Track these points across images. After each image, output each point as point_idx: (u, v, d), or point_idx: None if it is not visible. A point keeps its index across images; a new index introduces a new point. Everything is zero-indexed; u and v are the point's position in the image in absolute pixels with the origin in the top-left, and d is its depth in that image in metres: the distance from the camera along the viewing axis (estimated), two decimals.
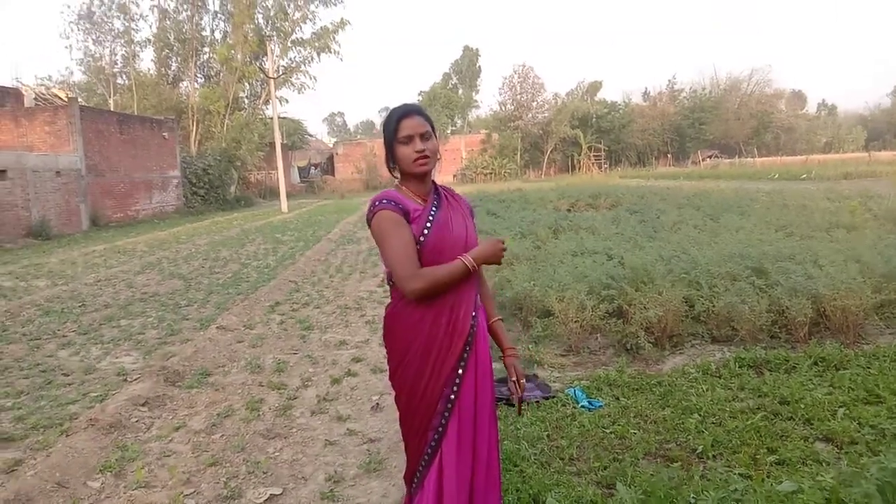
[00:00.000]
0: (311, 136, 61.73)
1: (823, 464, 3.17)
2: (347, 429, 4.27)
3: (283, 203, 30.57)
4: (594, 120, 57.28)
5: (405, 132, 2.19)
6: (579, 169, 51.99)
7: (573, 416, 4.12)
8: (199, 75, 41.65)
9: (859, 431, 3.62)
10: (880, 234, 8.53)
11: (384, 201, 2.17)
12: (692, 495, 2.73)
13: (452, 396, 2.15)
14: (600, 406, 4.29)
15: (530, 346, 5.79)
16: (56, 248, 16.64)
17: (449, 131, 57.38)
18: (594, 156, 54.95)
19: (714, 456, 3.45)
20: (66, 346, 6.62)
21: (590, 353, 5.68)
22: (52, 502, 3.40)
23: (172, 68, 41.25)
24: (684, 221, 11.56)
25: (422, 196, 2.26)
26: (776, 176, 32.99)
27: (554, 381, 4.93)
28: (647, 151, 59.85)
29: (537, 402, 4.42)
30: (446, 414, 2.15)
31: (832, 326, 5.49)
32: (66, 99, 25.44)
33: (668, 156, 58.67)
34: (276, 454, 3.94)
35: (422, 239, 2.15)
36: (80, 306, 8.68)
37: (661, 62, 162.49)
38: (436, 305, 2.13)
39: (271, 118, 35.60)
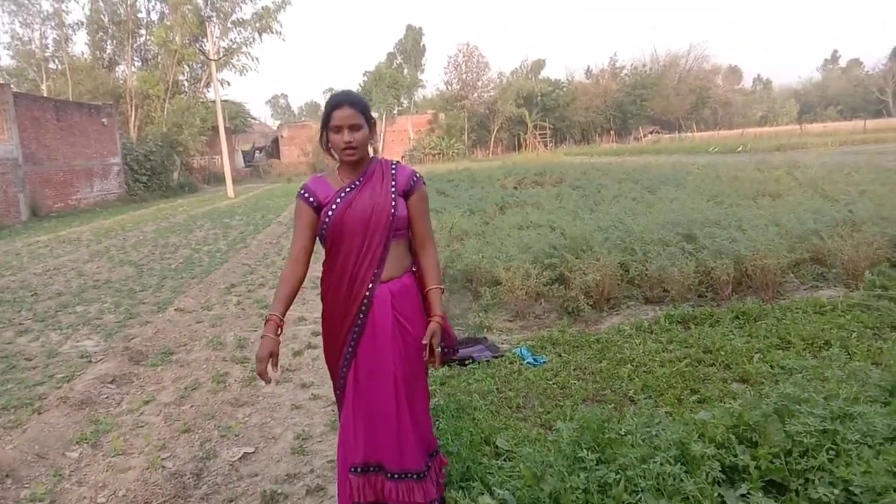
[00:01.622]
0: (254, 119, 60.74)
1: (738, 399, 3.62)
2: (311, 394, 4.56)
3: (230, 188, 30.21)
4: (539, 98, 57.99)
5: (335, 122, 2.41)
6: (525, 147, 52.63)
7: (520, 372, 4.51)
8: (136, 59, 40.41)
9: (771, 372, 4.10)
10: (801, 200, 9.19)
11: (302, 191, 2.51)
12: (621, 427, 3.12)
13: (348, 354, 2.51)
14: (544, 362, 4.69)
15: (480, 314, 6.16)
16: None
17: (395, 112, 57.24)
18: (540, 134, 55.69)
19: (644, 399, 3.87)
20: (24, 333, 6.68)
21: (535, 317, 6.08)
22: (35, 472, 3.60)
23: (108, 52, 39.97)
24: (623, 195, 12.11)
25: (351, 176, 2.52)
26: (716, 149, 34.18)
27: (502, 343, 5.31)
28: (591, 129, 60.99)
29: (487, 360, 4.79)
30: (345, 368, 2.53)
31: (753, 284, 6.02)
32: None
33: (612, 133, 59.89)
34: (246, 419, 4.21)
35: (325, 223, 2.46)
36: (31, 295, 8.66)
37: (603, 39, 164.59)
38: (336, 279, 2.50)
39: (213, 101, 34.98)
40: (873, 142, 31.87)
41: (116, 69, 40.53)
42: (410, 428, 2.50)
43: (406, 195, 2.53)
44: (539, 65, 67.90)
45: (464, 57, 57.73)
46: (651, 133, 58.65)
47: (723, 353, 4.47)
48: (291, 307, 2.53)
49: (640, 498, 2.43)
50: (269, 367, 2.39)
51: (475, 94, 58.09)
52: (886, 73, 69.18)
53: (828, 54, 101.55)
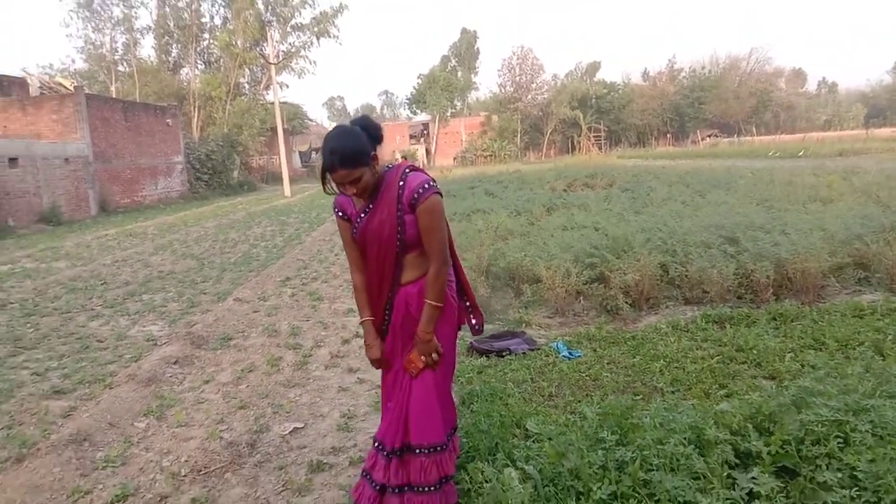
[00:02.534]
0: (311, 120, 62.19)
1: (759, 393, 3.75)
2: (357, 378, 4.86)
3: (286, 187, 31.10)
4: (593, 101, 57.59)
5: (336, 180, 2.51)
6: (579, 150, 52.32)
7: (554, 364, 4.71)
8: (199, 62, 42.06)
9: (800, 371, 4.19)
10: (852, 205, 9.06)
11: (335, 208, 2.71)
12: (644, 414, 3.29)
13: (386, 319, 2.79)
14: (579, 356, 4.88)
15: (521, 310, 6.38)
16: (68, 232, 17.20)
17: (448, 114, 57.69)
18: (594, 136, 55.27)
19: (672, 391, 4.03)
20: (96, 318, 7.20)
21: (574, 315, 6.25)
22: (108, 438, 3.98)
23: (173, 55, 41.62)
24: (673, 198, 12.10)
25: (367, 200, 2.63)
26: (776, 154, 33.36)
27: (540, 338, 5.51)
28: (647, 131, 60.15)
29: (524, 353, 5.00)
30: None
31: (794, 288, 6.06)
32: (70, 87, 25.88)
33: (668, 136, 58.95)
34: (297, 399, 4.53)
35: (354, 238, 2.68)
36: (101, 284, 9.26)
37: (661, 42, 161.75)
38: (368, 280, 2.75)
39: (272, 103, 36.04)
40: None
41: (181, 72, 42.17)
42: (415, 408, 2.66)
43: (412, 209, 2.55)
44: (594, 67, 67.39)
45: (518, 59, 57.80)
46: (709, 136, 57.52)
47: (755, 351, 4.57)
48: (342, 299, 2.83)
49: (654, 475, 2.62)
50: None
51: (529, 97, 58.07)
52: None
53: None
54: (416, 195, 2.52)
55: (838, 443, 2.72)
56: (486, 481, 2.69)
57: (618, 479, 2.65)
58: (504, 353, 5.03)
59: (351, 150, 2.44)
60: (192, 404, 4.54)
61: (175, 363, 5.41)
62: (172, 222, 18.83)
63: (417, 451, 2.63)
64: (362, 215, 2.62)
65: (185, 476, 3.48)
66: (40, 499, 3.24)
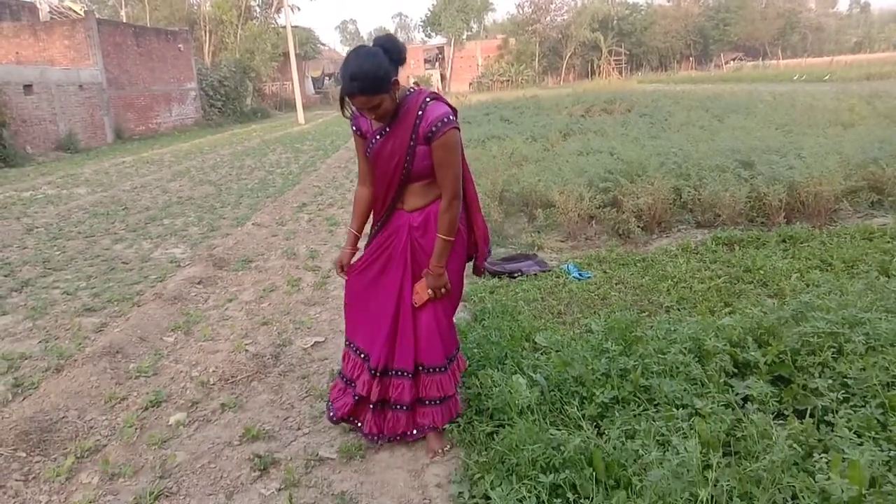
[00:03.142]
0: (323, 45, 61.04)
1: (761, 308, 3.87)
2: None
3: (300, 114, 30.91)
4: (615, 22, 55.91)
5: (355, 105, 2.48)
6: (599, 74, 51.11)
7: (564, 284, 4.84)
8: None
9: (805, 289, 4.28)
10: (872, 129, 8.94)
11: (351, 123, 2.71)
12: (648, 326, 3.44)
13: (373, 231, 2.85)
14: (589, 277, 5.00)
15: (533, 234, 6.48)
16: (86, 160, 17.37)
17: (464, 37, 56.25)
18: (614, 60, 53.86)
19: (678, 309, 4.16)
20: (120, 241, 7.42)
21: (586, 238, 6.34)
22: (139, 351, 4.21)
23: None
24: (691, 123, 11.95)
25: (385, 121, 2.59)
26: (803, 77, 32.46)
27: (552, 261, 5.63)
28: (670, 55, 58.54)
29: (535, 274, 5.14)
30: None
31: (806, 211, 6.09)
32: (80, 12, 25.52)
33: (691, 59, 57.31)
34: (317, 316, 4.73)
35: (368, 153, 2.69)
36: (123, 209, 9.46)
37: None
38: (375, 192, 2.79)
39: (284, 27, 35.35)
40: None
41: None
42: (408, 336, 2.74)
43: (428, 141, 2.52)
44: None
45: None
46: (733, 60, 55.86)
47: (762, 272, 4.67)
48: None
49: (653, 381, 2.77)
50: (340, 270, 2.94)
51: (548, 18, 56.35)
52: None
53: None
54: (434, 128, 2.48)
55: (832, 353, 2.85)
56: (496, 386, 2.86)
57: (619, 385, 2.81)
58: (516, 275, 5.16)
59: (372, 76, 2.34)
60: (217, 321, 4.75)
61: (199, 283, 5.61)
62: (188, 149, 18.91)
63: (421, 369, 2.77)
64: (378, 137, 2.60)
65: (213, 384, 3.70)
66: (80, 403, 3.48)
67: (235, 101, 33.81)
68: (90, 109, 21.59)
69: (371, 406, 2.80)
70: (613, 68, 52.51)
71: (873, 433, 2.34)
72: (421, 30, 66.81)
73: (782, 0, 61.54)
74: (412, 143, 2.52)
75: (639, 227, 6.06)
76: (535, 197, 7.10)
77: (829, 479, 2.00)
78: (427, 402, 2.79)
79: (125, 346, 4.23)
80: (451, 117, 2.51)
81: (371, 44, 2.47)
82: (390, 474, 2.72)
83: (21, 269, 6.32)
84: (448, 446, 2.83)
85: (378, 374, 2.77)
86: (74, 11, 26.25)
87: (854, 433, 2.31)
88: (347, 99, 2.47)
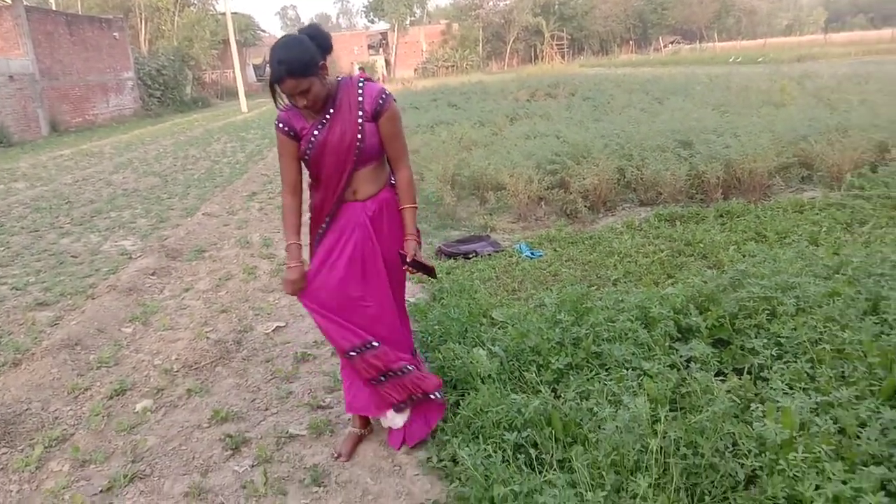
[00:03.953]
0: (263, 31, 59.73)
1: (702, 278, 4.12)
2: None
3: (243, 102, 30.35)
4: (556, 7, 56.41)
5: (285, 92, 2.43)
6: (542, 59, 51.59)
7: (517, 263, 5.02)
8: None
9: (742, 260, 4.56)
10: (802, 108, 9.40)
11: (279, 124, 2.58)
12: (598, 298, 3.63)
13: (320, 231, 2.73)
14: (541, 255, 5.19)
15: (485, 216, 6.65)
16: (21, 153, 16.72)
17: (408, 22, 55.98)
18: (557, 45, 54.43)
19: (625, 282, 4.38)
20: (66, 235, 7.27)
21: (536, 219, 6.54)
22: (98, 342, 4.21)
23: None
24: (632, 105, 12.30)
25: (324, 110, 2.55)
26: (738, 59, 33.48)
27: (504, 241, 5.81)
28: (610, 39, 59.47)
29: (489, 254, 5.30)
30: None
31: (742, 187, 6.42)
32: None
33: (631, 43, 58.37)
34: (276, 302, 4.79)
35: (307, 154, 2.57)
36: (66, 203, 9.22)
37: None
38: (319, 198, 2.68)
39: (223, 14, 34.54)
40: None
41: None
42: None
43: (375, 117, 2.55)
44: None
45: None
46: (671, 43, 57.09)
47: (702, 245, 4.94)
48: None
49: (604, 347, 2.96)
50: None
51: (490, 3, 56.53)
52: None
53: None
54: (379, 102, 2.54)
55: (766, 315, 3.09)
56: (458, 359, 3.00)
57: (573, 353, 2.99)
58: (470, 256, 5.32)
59: (298, 59, 2.36)
60: (174, 310, 4.76)
61: (153, 274, 5.58)
62: (129, 140, 18.42)
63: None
64: (319, 127, 2.55)
65: (177, 371, 3.74)
66: (43, 395, 3.48)
67: (175, 91, 32.94)
68: (22, 101, 20.75)
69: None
70: (556, 53, 53.08)
71: (803, 384, 2.57)
72: (364, 15, 66.23)
73: None
74: (361, 121, 2.54)
75: (586, 206, 6.29)
76: (486, 180, 7.26)
77: (764, 425, 2.21)
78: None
79: (83, 338, 4.22)
80: (389, 92, 2.59)
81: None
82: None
83: None
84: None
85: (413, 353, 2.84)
86: None
87: (787, 385, 2.54)
88: (278, 87, 2.44)
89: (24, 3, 23.87)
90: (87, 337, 4.24)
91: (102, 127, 24.37)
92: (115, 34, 27.69)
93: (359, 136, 2.54)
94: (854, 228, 5.08)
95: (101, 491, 2.67)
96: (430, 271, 2.73)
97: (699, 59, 38.70)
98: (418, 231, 2.77)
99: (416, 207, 2.73)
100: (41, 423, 3.21)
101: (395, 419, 2.77)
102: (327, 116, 2.55)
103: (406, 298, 2.96)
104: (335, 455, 2.79)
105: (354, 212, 2.67)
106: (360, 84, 2.57)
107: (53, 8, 32.13)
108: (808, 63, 26.45)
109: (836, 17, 70.82)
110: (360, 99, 2.54)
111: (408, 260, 2.66)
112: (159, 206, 8.70)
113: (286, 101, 2.53)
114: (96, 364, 3.87)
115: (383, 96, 2.55)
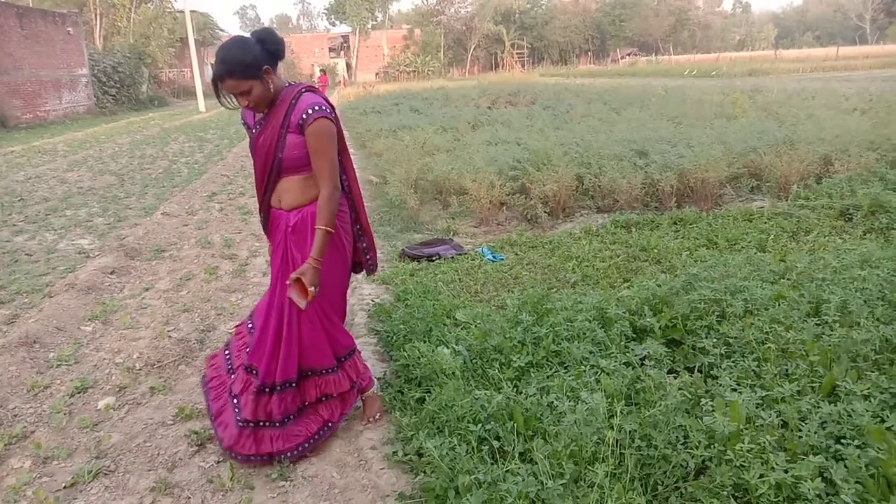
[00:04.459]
0: (222, 31, 58.91)
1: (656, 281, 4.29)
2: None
3: (201, 102, 29.95)
4: (517, 16, 57.12)
5: (226, 90, 2.51)
6: (502, 67, 52.14)
7: (480, 266, 5.13)
8: None
9: (694, 265, 4.75)
10: (753, 121, 9.77)
11: (241, 117, 2.79)
12: (557, 299, 3.76)
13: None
14: (502, 259, 5.31)
15: (448, 220, 6.75)
16: None
17: (370, 26, 55.94)
18: (517, 53, 55.10)
19: (583, 284, 4.53)
20: (20, 234, 7.10)
21: (497, 224, 6.67)
22: (57, 340, 4.15)
23: None
24: (591, 115, 12.58)
25: (264, 112, 2.64)
26: (693, 72, 34.44)
27: (467, 245, 5.91)
28: (570, 49, 60.50)
29: (452, 257, 5.40)
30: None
31: (695, 196, 6.66)
32: None
33: (590, 54, 59.47)
34: (238, 302, 4.79)
35: (250, 146, 2.74)
36: (19, 200, 9.00)
37: None
38: (257, 191, 2.81)
39: (181, 12, 34.04)
40: (843, 69, 32.40)
41: None
42: (289, 344, 2.70)
43: (301, 130, 2.55)
44: None
45: None
46: (628, 55, 58.37)
47: (656, 251, 5.13)
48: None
49: (563, 345, 3.08)
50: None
51: (452, 10, 56.98)
52: None
53: None
54: (304, 115, 2.52)
55: (716, 317, 3.26)
56: (422, 357, 3.09)
57: (534, 351, 3.10)
58: (434, 258, 5.41)
59: (239, 60, 2.42)
60: (135, 309, 4.72)
61: (112, 273, 5.51)
62: (83, 138, 17.99)
63: (309, 373, 2.77)
64: (257, 128, 2.65)
65: (140, 370, 3.73)
66: (2, 393, 3.43)
67: (130, 88, 32.26)
68: None
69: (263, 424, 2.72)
70: (516, 61, 53.79)
71: (750, 381, 2.72)
72: (325, 17, 65.88)
73: None
74: (282, 131, 2.56)
75: (545, 212, 6.44)
76: (449, 185, 7.36)
77: (713, 419, 2.35)
78: (323, 399, 2.82)
79: (42, 336, 4.16)
80: (323, 107, 2.55)
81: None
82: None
83: None
84: (378, 415, 3.02)
85: (268, 390, 2.71)
86: None
87: (735, 382, 2.69)
88: (220, 85, 2.50)
89: None
90: (46, 335, 4.19)
91: (55, 124, 23.73)
92: (69, 29, 26.99)
93: (277, 145, 2.58)
94: (800, 237, 5.33)
95: (64, 487, 2.67)
96: (301, 298, 2.52)
97: (655, 71, 39.70)
98: (320, 259, 2.57)
99: (329, 231, 2.57)
100: (0, 421, 3.17)
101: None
102: (262, 122, 2.62)
103: (371, 299, 3.04)
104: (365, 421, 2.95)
105: (279, 221, 2.74)
106: (299, 94, 2.58)
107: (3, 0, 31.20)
108: (759, 78, 27.40)
109: (786, 33, 73.40)
110: (290, 110, 2.55)
111: (290, 277, 2.53)
112: (116, 205, 8.56)
113: (232, 99, 2.58)
114: (56, 362, 3.83)
115: (310, 111, 2.53)
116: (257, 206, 2.88)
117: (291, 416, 2.76)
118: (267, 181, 2.68)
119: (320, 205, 2.57)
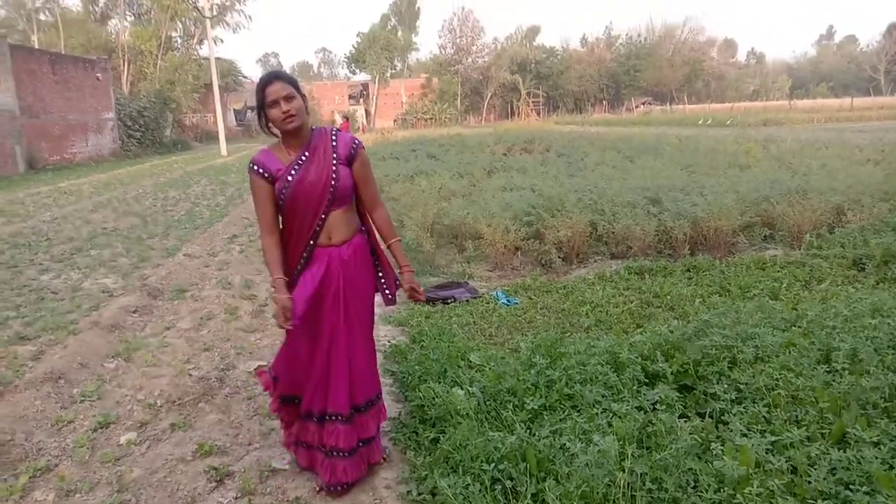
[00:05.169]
0: (245, 77, 60.49)
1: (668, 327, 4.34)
2: None
3: (223, 146, 30.60)
4: (533, 65, 58.15)
5: (270, 97, 2.61)
6: (518, 115, 52.89)
7: (494, 309, 5.21)
8: (128, 13, 40.35)
9: (706, 312, 4.80)
10: (766, 170, 9.88)
11: (254, 167, 2.69)
12: (570, 343, 3.82)
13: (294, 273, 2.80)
14: (516, 303, 5.39)
15: (463, 264, 6.87)
16: None
17: (388, 74, 57.20)
18: (532, 102, 55.91)
19: (596, 329, 4.58)
20: (46, 272, 7.29)
21: (512, 268, 6.77)
22: (81, 376, 4.26)
23: (100, 5, 39.86)
24: (605, 163, 12.76)
25: (296, 149, 2.71)
26: (708, 122, 34.77)
27: (481, 288, 6.00)
28: (584, 98, 61.27)
29: (467, 300, 5.48)
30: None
31: (708, 244, 6.73)
32: None
33: (604, 103, 60.20)
34: (257, 342, 4.89)
35: (282, 196, 2.67)
36: (45, 240, 9.24)
37: (599, 8, 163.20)
38: (293, 241, 2.75)
39: (206, 59, 35.06)
40: (857, 119, 32.55)
41: (108, 23, 40.36)
42: (343, 377, 2.78)
43: (349, 162, 2.75)
44: (534, 31, 67.81)
45: (458, 21, 57.66)
46: (643, 104, 59.04)
47: (669, 297, 5.18)
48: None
49: (576, 389, 3.13)
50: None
51: (469, 60, 58.14)
52: (880, 50, 69.50)
53: (824, 30, 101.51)
54: (352, 148, 2.77)
55: (728, 363, 3.30)
56: (437, 397, 3.15)
57: (547, 394, 3.16)
58: (449, 301, 5.50)
59: (286, 73, 2.77)
60: (157, 347, 4.83)
61: (135, 312, 5.65)
62: (107, 180, 18.44)
63: (363, 408, 2.85)
64: (296, 168, 2.67)
65: (160, 406, 3.82)
66: (26, 427, 3.53)
67: (155, 132, 33.09)
68: (0, 137, 20.72)
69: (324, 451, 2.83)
70: (532, 109, 54.51)
71: (760, 426, 2.76)
72: (345, 66, 67.52)
73: (688, 49, 65.81)
74: (335, 163, 2.70)
75: (559, 257, 6.54)
76: (464, 229, 7.49)
77: (723, 463, 2.39)
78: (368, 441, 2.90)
79: (66, 372, 4.27)
80: (359, 141, 2.85)
81: None
82: None
83: None
84: (386, 453, 3.07)
85: (315, 418, 2.82)
86: None
87: (745, 427, 2.73)
88: (266, 92, 2.62)
89: (8, 41, 24.06)
90: (71, 371, 4.30)
91: (81, 166, 24.34)
92: (98, 75, 27.90)
93: (333, 176, 2.68)
94: (812, 285, 5.37)
95: None
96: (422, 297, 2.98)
97: (670, 120, 40.09)
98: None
99: (401, 240, 2.95)
100: (25, 454, 3.26)
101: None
102: (303, 158, 2.70)
103: (388, 340, 3.13)
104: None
105: (330, 257, 2.75)
106: (334, 133, 2.80)
107: (35, 47, 32.39)
108: (773, 127, 27.60)
109: (800, 84, 73.93)
110: (335, 145, 2.75)
111: (405, 287, 2.91)
112: (140, 245, 8.76)
113: (271, 129, 2.71)
114: (80, 397, 3.93)
115: (356, 143, 2.81)
116: (291, 247, 2.77)
117: (344, 453, 2.83)
118: (322, 217, 2.70)
119: (385, 222, 2.92)
